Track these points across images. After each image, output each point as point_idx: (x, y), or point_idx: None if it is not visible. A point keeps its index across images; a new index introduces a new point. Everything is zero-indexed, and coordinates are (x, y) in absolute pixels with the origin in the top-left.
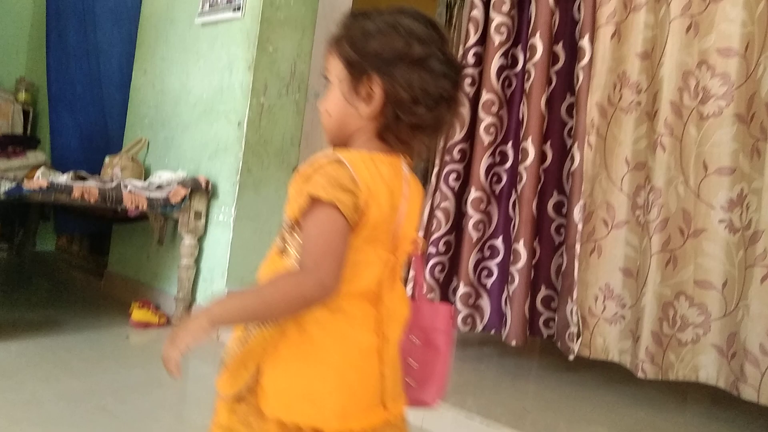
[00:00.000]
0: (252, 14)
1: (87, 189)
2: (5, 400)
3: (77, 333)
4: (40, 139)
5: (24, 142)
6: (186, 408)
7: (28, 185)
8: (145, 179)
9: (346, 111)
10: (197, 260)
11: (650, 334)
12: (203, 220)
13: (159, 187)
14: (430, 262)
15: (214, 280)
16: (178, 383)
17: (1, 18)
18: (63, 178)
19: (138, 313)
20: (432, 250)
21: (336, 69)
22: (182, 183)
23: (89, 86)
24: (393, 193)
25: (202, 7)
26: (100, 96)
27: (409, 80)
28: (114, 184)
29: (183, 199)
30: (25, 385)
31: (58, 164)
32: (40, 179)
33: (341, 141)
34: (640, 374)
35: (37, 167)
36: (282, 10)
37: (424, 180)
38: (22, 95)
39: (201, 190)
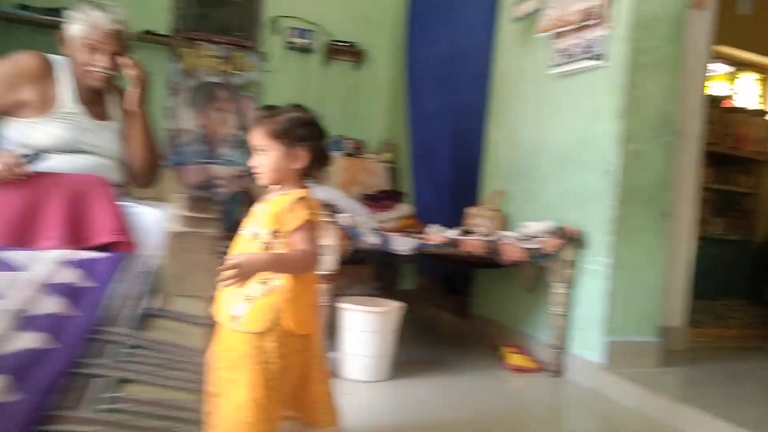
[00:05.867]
0: (617, 61)
1: (473, 243)
2: None
3: (463, 372)
4: (404, 192)
5: (394, 197)
6: None
7: (428, 241)
8: (506, 228)
9: (283, 167)
10: (568, 309)
11: None
12: (572, 269)
13: (531, 237)
14: None
15: (588, 329)
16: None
17: (366, 93)
18: (452, 233)
19: (514, 358)
20: None
21: (270, 144)
22: (553, 233)
23: (444, 144)
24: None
25: (557, 59)
26: (453, 152)
27: (318, 147)
28: (493, 237)
29: (556, 250)
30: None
31: (420, 215)
32: (436, 235)
33: (276, 183)
34: None
35: (404, 218)
36: (649, 54)
37: None
38: (386, 155)
39: (570, 239)
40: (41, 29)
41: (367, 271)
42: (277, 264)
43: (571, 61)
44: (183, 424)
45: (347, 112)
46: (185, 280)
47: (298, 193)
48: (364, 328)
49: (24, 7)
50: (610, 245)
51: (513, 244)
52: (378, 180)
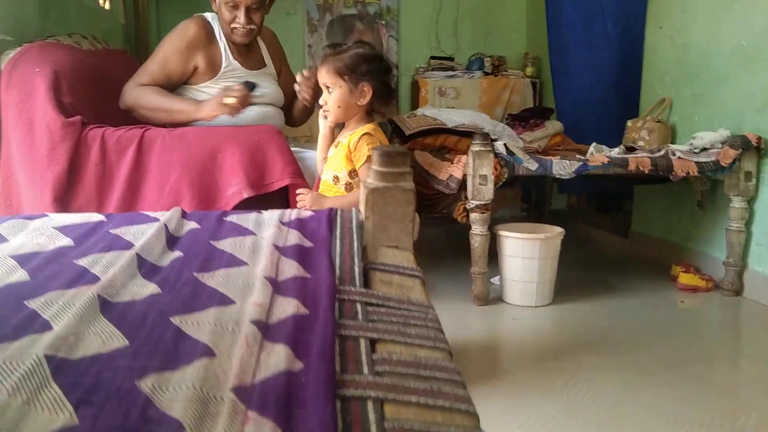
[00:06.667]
0: None
1: (640, 160)
2: (615, 361)
3: (629, 293)
4: (553, 108)
5: (542, 114)
6: None
7: (592, 162)
8: (672, 140)
9: (349, 103)
10: (747, 223)
11: None
12: (754, 181)
13: (703, 149)
14: None
15: None
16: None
17: (504, 6)
18: (615, 152)
19: (685, 277)
20: None
21: (336, 80)
22: (729, 143)
23: (591, 53)
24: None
25: None
26: (603, 62)
27: (383, 82)
28: (662, 152)
29: (734, 161)
30: (619, 348)
31: (567, 131)
32: (597, 155)
33: (344, 120)
34: None
35: (554, 135)
36: None
37: None
38: (529, 69)
39: (751, 148)
40: None
41: (514, 193)
42: (341, 205)
43: None
44: (444, 384)
45: (485, 29)
46: (386, 232)
47: (363, 129)
48: (526, 255)
49: None
50: None
51: (684, 157)
52: (522, 97)
